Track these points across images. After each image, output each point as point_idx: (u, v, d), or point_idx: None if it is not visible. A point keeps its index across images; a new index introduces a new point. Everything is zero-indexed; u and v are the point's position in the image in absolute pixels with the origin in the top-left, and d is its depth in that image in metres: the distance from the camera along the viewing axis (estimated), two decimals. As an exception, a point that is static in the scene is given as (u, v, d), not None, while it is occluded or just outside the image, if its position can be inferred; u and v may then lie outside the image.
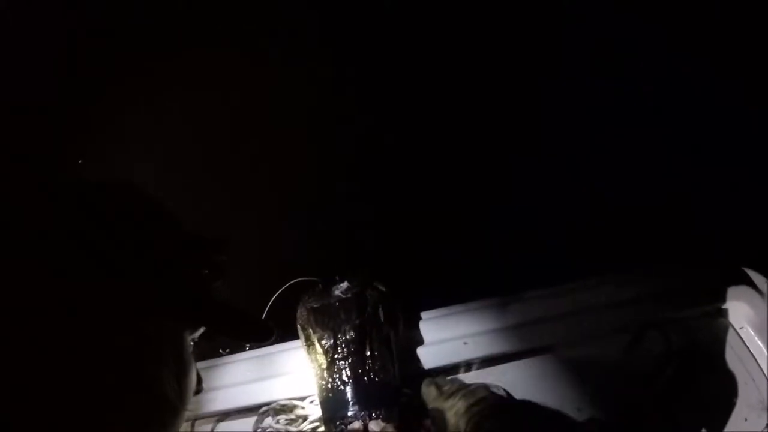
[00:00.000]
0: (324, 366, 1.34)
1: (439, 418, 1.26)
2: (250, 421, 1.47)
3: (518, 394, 1.44)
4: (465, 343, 1.45)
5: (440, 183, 2.90)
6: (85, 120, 3.24)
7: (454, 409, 1.23)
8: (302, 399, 1.46)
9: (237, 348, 1.60)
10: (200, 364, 1.55)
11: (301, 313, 1.41)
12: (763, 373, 1.44)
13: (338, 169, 3.02)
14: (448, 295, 1.54)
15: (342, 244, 2.64)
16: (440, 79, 3.24)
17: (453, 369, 1.48)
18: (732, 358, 1.47)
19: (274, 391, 1.48)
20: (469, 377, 1.47)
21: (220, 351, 1.60)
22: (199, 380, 0.82)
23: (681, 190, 2.65)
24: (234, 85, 3.34)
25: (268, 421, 1.44)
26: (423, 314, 1.51)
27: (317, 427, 1.40)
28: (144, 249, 0.71)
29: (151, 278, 0.71)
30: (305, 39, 3.47)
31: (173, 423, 0.74)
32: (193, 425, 1.50)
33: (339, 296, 1.38)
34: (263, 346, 0.72)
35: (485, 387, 1.29)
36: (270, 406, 1.45)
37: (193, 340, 0.79)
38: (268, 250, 2.67)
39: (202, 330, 0.79)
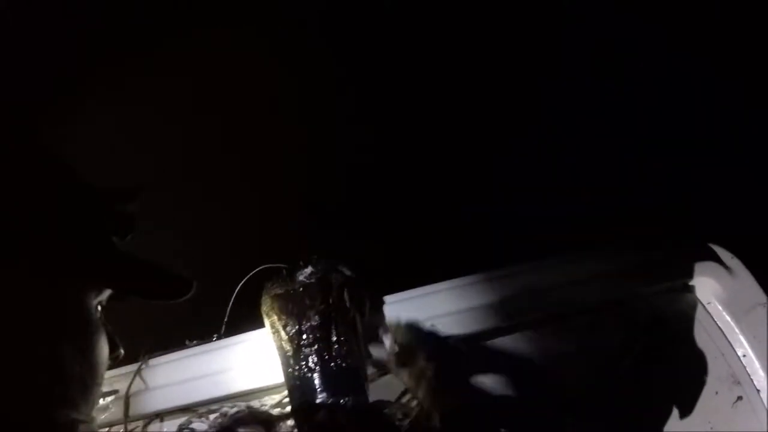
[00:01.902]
0: (290, 353, 1.32)
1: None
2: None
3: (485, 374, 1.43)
4: (432, 325, 1.44)
5: (416, 169, 2.90)
6: (81, 117, 3.21)
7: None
8: (260, 391, 1.46)
9: (206, 338, 1.58)
10: (157, 360, 1.54)
11: (265, 300, 1.39)
12: (732, 348, 1.44)
13: (307, 153, 3.02)
14: (413, 277, 1.53)
15: (309, 229, 2.64)
16: (440, 78, 3.23)
17: (421, 351, 1.47)
18: (701, 334, 1.47)
19: (233, 384, 1.47)
20: (437, 360, 1.47)
21: (186, 342, 1.57)
22: (115, 346, 0.77)
23: (655, 174, 2.66)
24: (232, 83, 3.31)
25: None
26: (389, 297, 1.50)
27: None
28: (34, 201, 0.66)
29: (44, 234, 0.65)
30: (305, 39, 3.45)
31: (84, 399, 0.69)
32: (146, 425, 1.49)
33: (303, 281, 1.36)
34: (180, 301, 0.67)
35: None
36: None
37: (100, 303, 0.74)
38: (237, 240, 2.66)
39: (108, 292, 0.74)
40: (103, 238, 0.72)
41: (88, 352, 0.70)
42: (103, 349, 0.73)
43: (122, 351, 0.80)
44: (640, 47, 3.11)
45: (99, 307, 0.74)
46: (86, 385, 0.69)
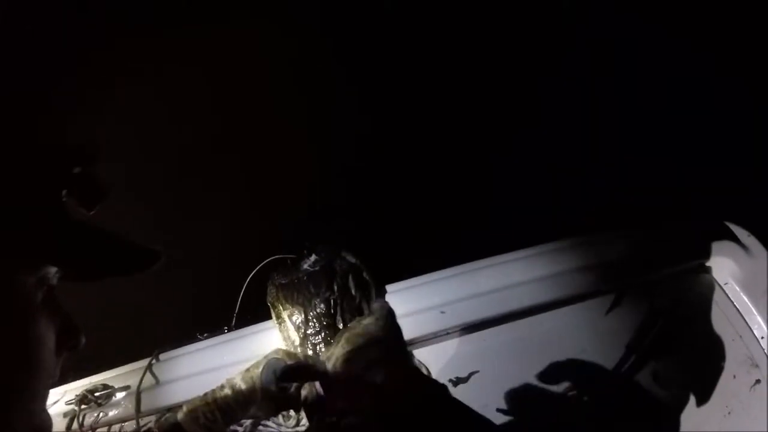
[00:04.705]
0: (296, 342, 1.31)
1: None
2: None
3: (499, 360, 1.42)
4: (442, 312, 1.42)
5: (422, 159, 2.89)
6: (80, 115, 3.22)
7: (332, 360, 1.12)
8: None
9: (215, 331, 1.57)
10: (173, 353, 1.54)
11: (270, 290, 1.38)
12: (751, 330, 1.40)
13: (308, 147, 3.03)
14: (422, 262, 1.51)
15: (315, 217, 2.64)
16: (440, 78, 3.22)
17: (432, 339, 1.45)
18: (718, 316, 1.44)
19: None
20: (449, 345, 1.45)
21: (197, 335, 1.56)
22: (73, 333, 0.67)
23: (671, 159, 2.64)
24: (233, 83, 3.32)
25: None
26: (397, 284, 1.48)
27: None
28: None
29: None
30: (305, 39, 3.45)
31: (19, 388, 0.61)
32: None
33: (307, 270, 1.36)
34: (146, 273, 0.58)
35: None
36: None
37: (45, 283, 0.64)
38: (244, 233, 2.66)
39: (54, 270, 0.64)
40: (43, 206, 0.62)
41: (19, 341, 0.60)
42: (44, 337, 0.63)
43: (83, 339, 0.70)
44: (640, 47, 3.09)
45: (43, 287, 0.64)
46: (18, 379, 0.60)
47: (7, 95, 0.64)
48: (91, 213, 0.66)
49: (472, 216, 2.63)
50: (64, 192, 0.63)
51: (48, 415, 0.66)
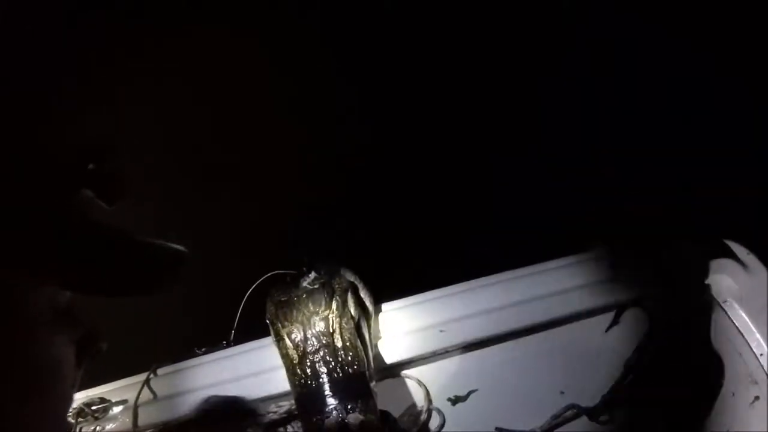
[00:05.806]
0: (296, 361, 1.31)
1: None
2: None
3: (499, 380, 1.41)
4: (441, 331, 1.42)
5: (419, 172, 2.89)
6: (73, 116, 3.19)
7: None
8: (269, 398, 1.45)
9: (214, 346, 1.57)
10: (171, 367, 1.54)
11: (269, 308, 1.38)
12: (750, 347, 1.40)
13: (310, 158, 3.02)
14: (421, 281, 1.51)
15: (313, 234, 2.63)
16: (440, 78, 3.21)
17: (431, 358, 1.45)
18: (717, 333, 1.43)
19: (242, 392, 1.46)
20: (448, 365, 1.45)
21: (196, 350, 1.56)
22: (94, 341, 0.63)
23: (668, 176, 2.63)
24: (230, 83, 3.30)
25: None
26: (396, 302, 1.48)
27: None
28: None
29: None
30: (304, 39, 3.44)
31: (35, 404, 0.56)
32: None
33: (306, 288, 1.35)
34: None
35: None
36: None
37: (58, 300, 0.59)
38: (246, 246, 2.65)
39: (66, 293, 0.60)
40: (50, 219, 0.54)
41: (31, 365, 0.56)
42: (61, 354, 0.59)
43: (105, 345, 0.65)
44: (640, 47, 3.08)
45: (57, 304, 0.59)
46: (33, 399, 0.55)
47: (6, 96, 0.61)
48: (112, 208, 0.60)
49: (473, 224, 2.63)
50: (80, 192, 0.57)
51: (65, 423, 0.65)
